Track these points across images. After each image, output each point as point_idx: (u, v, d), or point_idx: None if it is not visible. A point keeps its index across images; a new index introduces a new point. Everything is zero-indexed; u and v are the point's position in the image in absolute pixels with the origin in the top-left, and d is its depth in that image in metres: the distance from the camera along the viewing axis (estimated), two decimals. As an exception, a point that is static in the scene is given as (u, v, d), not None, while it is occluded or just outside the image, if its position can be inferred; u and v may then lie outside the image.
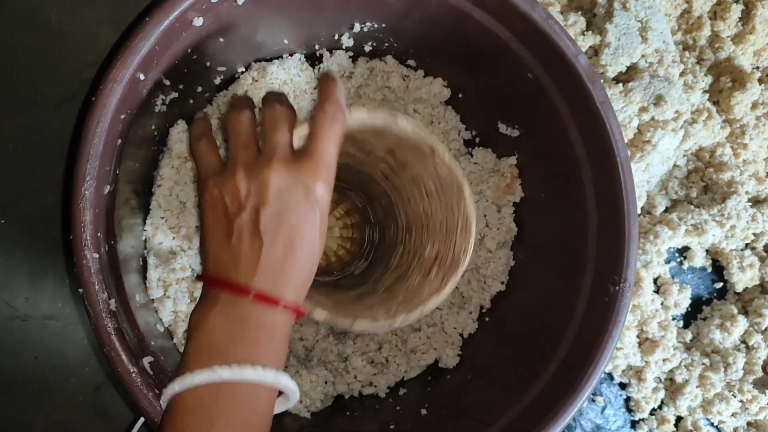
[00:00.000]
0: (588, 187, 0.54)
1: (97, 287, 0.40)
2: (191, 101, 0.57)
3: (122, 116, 0.43)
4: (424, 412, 0.58)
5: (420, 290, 0.54)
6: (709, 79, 0.90)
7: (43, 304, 0.66)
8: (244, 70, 0.60)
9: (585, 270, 0.54)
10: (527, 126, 0.60)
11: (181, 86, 0.53)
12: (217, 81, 0.59)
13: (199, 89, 0.57)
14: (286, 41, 0.59)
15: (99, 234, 0.42)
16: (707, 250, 0.90)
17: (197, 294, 0.54)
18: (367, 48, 0.62)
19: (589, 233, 0.54)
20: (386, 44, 0.61)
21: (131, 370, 0.41)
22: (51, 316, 0.66)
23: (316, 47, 0.61)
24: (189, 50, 0.48)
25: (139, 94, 0.45)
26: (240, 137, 0.46)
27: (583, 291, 0.54)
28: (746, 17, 0.89)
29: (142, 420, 0.44)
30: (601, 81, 0.57)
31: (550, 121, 0.56)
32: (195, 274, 0.57)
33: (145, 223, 0.55)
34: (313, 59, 0.63)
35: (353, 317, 0.50)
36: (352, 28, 0.59)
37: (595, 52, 0.80)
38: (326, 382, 0.60)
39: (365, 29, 0.59)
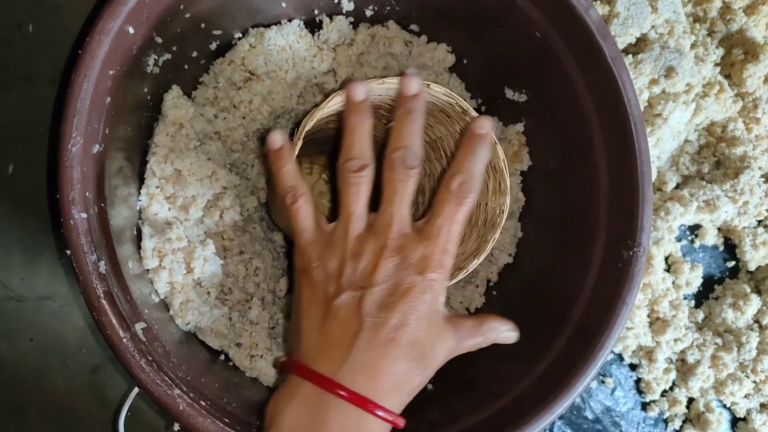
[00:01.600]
0: (599, 149, 0.51)
1: (85, 248, 0.38)
2: (186, 67, 0.55)
3: (110, 72, 0.41)
4: (429, 387, 0.56)
5: None
6: (720, 52, 0.87)
7: (39, 284, 0.64)
8: (241, 35, 0.58)
9: (597, 237, 0.52)
10: (535, 89, 0.58)
11: (174, 48, 0.51)
12: (213, 47, 0.57)
13: (195, 54, 0.55)
14: (283, 4, 0.57)
15: (87, 194, 0.40)
16: (719, 228, 0.88)
17: (194, 264, 0.52)
18: (368, 12, 0.60)
19: (600, 198, 0.52)
20: (388, 8, 0.59)
21: (122, 336, 0.39)
22: (47, 296, 0.64)
23: (315, 12, 0.59)
24: (181, 6, 0.46)
25: (129, 50, 0.43)
26: (354, 199, 0.42)
27: (594, 258, 0.52)
28: (759, -13, 0.86)
29: (136, 390, 0.42)
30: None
31: (558, 82, 0.53)
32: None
33: (139, 192, 0.53)
34: (312, 26, 0.61)
35: None
36: (352, -11, 0.57)
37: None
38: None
39: (366, -10, 0.57)
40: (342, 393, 0.36)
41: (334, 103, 0.48)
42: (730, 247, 0.89)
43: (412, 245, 0.40)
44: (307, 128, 0.47)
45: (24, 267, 0.64)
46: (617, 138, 0.50)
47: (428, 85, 0.48)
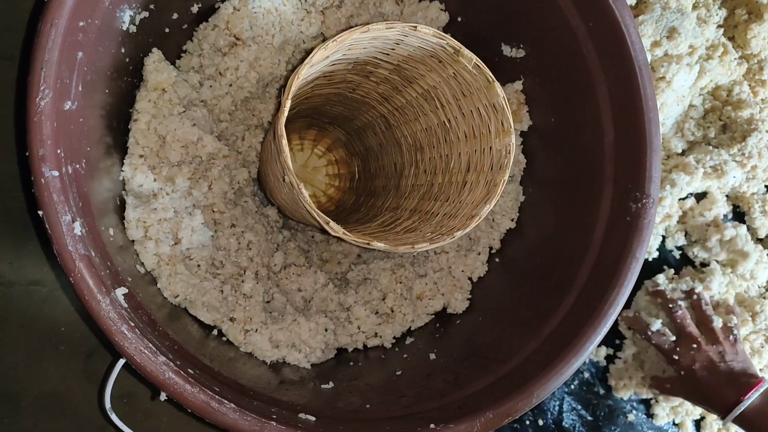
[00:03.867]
0: (603, 100, 0.49)
1: (58, 208, 0.36)
2: (167, 30, 0.53)
3: (81, 23, 0.39)
4: (432, 356, 0.54)
5: (462, 202, 0.51)
6: (723, 13, 0.85)
7: (28, 269, 0.62)
8: (224, -2, 0.56)
9: (603, 192, 0.49)
10: (533, 42, 0.55)
11: (152, 6, 0.48)
12: (195, 9, 0.54)
13: (175, 16, 0.53)
14: (268, -37, 0.54)
15: (59, 151, 0.37)
16: (727, 195, 0.86)
17: (181, 235, 0.50)
18: (356, -26, 0.58)
19: (605, 152, 0.49)
20: (377, -36, 0.57)
21: (101, 300, 0.37)
22: (37, 281, 0.62)
23: (302, -28, 0.57)
24: (155, -42, 0.44)
25: (100, 1, 0.41)
26: None
27: (601, 215, 0.49)
28: (761, -56, 0.83)
29: (122, 361, 0.40)
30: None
31: (558, 31, 0.51)
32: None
33: (122, 163, 0.51)
34: (299, -12, 0.58)
35: (411, 245, 0.46)
36: (338, -54, 0.55)
37: (601, -17, 0.76)
38: (326, 330, 0.56)
39: (353, -53, 0.54)
40: None
41: (319, 58, 0.45)
42: (739, 215, 0.86)
43: None
44: (294, 87, 0.45)
45: (12, 252, 0.61)
46: (622, 84, 0.47)
47: (415, 27, 0.45)
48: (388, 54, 0.52)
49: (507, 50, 0.58)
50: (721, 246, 0.80)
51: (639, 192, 0.46)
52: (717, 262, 0.80)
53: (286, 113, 0.43)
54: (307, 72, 0.46)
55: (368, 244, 0.44)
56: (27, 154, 0.36)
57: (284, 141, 0.43)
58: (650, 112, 0.46)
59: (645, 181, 0.46)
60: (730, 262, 0.80)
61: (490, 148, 0.49)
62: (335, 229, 0.43)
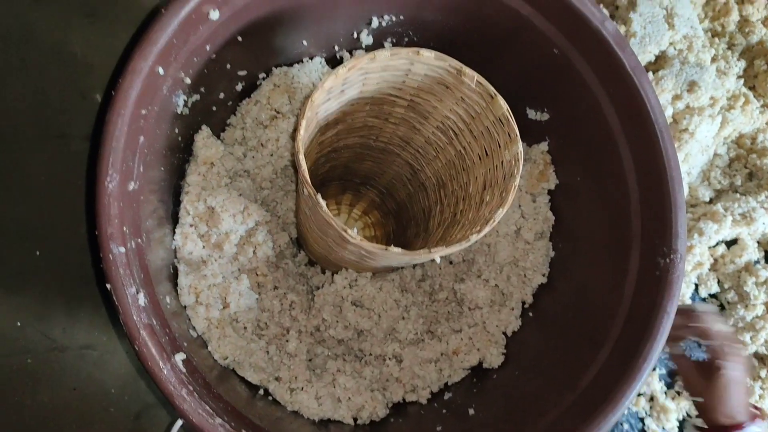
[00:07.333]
0: (626, 160, 0.51)
1: (124, 281, 0.39)
2: (214, 108, 0.57)
3: (143, 111, 0.43)
4: (471, 412, 0.55)
5: (478, 214, 0.52)
6: (742, 64, 0.87)
7: (80, 333, 0.65)
8: (265, 75, 0.60)
9: (631, 248, 0.51)
10: (557, 107, 0.58)
11: (202, 89, 0.52)
12: (239, 88, 0.59)
13: (222, 96, 0.57)
14: (305, 42, 0.58)
15: (125, 229, 0.41)
16: (758, 242, 0.86)
17: (230, 299, 0.53)
18: (387, 45, 0.61)
19: (632, 209, 0.51)
20: (406, 39, 0.61)
21: (162, 366, 0.39)
22: (88, 345, 0.65)
23: (336, 48, 0.61)
24: (207, 47, 0.48)
25: (159, 90, 0.45)
26: None
27: (630, 270, 0.51)
28: (775, -2, 0.86)
29: (179, 423, 0.42)
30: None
31: (580, 97, 0.54)
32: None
33: (174, 233, 0.54)
34: (333, 62, 0.62)
35: (427, 248, 0.46)
36: (370, 23, 0.58)
37: (620, 42, 0.79)
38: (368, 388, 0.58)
39: (383, 23, 0.58)
40: None
41: (330, 84, 0.46)
42: (772, 260, 0.87)
43: None
44: (307, 111, 0.45)
45: (65, 318, 0.64)
46: (644, 146, 0.50)
47: (418, 52, 0.47)
48: (400, 89, 0.54)
49: (532, 114, 0.61)
50: (758, 288, 0.80)
51: (666, 247, 0.48)
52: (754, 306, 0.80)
53: (302, 131, 0.45)
54: (320, 98, 0.46)
55: (385, 249, 0.45)
56: (96, 232, 0.40)
57: (301, 156, 0.44)
58: (673, 171, 0.48)
59: (672, 237, 0.48)
60: (768, 305, 0.80)
61: (502, 162, 0.50)
62: (352, 236, 0.45)
